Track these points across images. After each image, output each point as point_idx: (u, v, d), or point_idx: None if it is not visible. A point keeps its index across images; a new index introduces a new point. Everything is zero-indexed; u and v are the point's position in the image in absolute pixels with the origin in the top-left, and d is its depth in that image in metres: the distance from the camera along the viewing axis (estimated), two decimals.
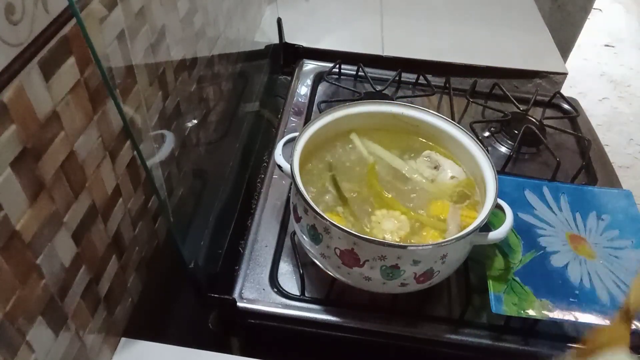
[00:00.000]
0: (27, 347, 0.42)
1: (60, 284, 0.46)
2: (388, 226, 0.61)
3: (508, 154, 0.87)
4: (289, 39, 1.08)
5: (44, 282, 0.43)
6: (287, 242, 0.72)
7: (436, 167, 0.68)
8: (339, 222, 0.57)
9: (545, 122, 0.92)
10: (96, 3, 0.45)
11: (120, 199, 0.55)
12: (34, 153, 0.40)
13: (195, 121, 0.74)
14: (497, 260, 0.66)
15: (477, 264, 0.67)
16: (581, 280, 0.65)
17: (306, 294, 0.66)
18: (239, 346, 0.68)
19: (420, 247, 0.56)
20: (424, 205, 0.65)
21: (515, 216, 0.65)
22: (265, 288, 0.66)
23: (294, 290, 0.67)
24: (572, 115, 0.97)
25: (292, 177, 0.60)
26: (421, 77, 0.99)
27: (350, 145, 0.71)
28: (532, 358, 0.64)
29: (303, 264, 0.67)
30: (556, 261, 0.67)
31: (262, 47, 1.09)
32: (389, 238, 0.60)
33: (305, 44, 1.08)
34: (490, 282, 0.64)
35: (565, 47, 1.67)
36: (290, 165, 0.61)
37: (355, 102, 0.72)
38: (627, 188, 0.78)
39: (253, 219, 0.75)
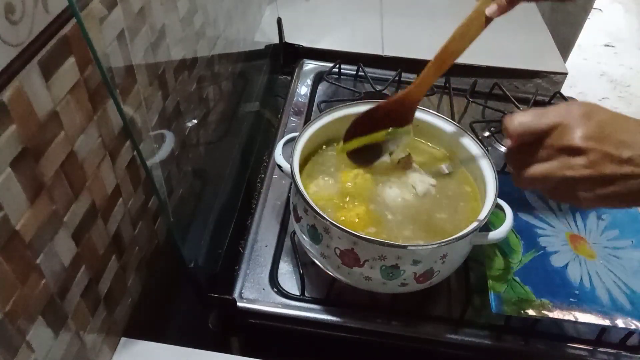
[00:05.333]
0: (27, 347, 0.42)
1: (60, 284, 0.46)
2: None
3: None
4: (289, 38, 1.08)
5: (44, 282, 0.43)
6: (287, 242, 0.72)
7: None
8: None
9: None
10: (96, 3, 0.45)
11: (120, 199, 0.55)
12: (34, 153, 0.40)
13: (195, 121, 0.74)
14: (497, 260, 0.66)
15: (477, 264, 0.67)
16: (581, 280, 0.65)
17: (306, 294, 0.66)
18: (239, 346, 0.68)
19: (420, 247, 0.56)
20: None
21: (515, 216, 0.65)
22: (265, 288, 0.66)
23: (294, 290, 0.67)
24: None
25: (292, 177, 0.60)
26: None
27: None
28: (532, 358, 0.64)
29: (303, 264, 0.67)
30: (556, 261, 0.67)
31: (262, 47, 1.09)
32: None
33: (305, 44, 1.08)
34: (490, 282, 0.64)
35: (565, 47, 1.66)
36: (290, 165, 0.61)
37: (355, 102, 0.71)
38: None
39: (253, 219, 0.75)
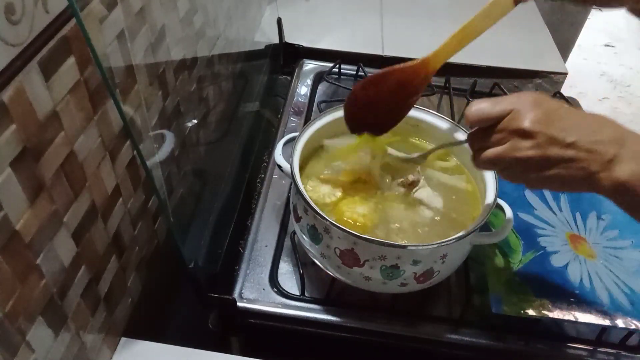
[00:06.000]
0: (27, 346, 0.42)
1: (60, 284, 0.46)
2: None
3: None
4: (289, 38, 1.08)
5: (44, 282, 0.43)
6: (287, 242, 0.72)
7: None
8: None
9: None
10: (96, 3, 0.45)
11: (120, 199, 0.55)
12: (34, 153, 0.40)
13: (195, 121, 0.74)
14: (497, 260, 0.66)
15: (477, 264, 0.67)
16: (581, 280, 0.65)
17: (306, 294, 0.66)
18: (239, 346, 0.68)
19: (420, 247, 0.56)
20: None
21: (515, 216, 0.65)
22: (265, 288, 0.66)
23: (294, 290, 0.67)
24: None
25: (292, 177, 0.60)
26: None
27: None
28: (532, 358, 0.64)
29: (303, 264, 0.67)
30: (556, 261, 0.67)
31: (262, 47, 1.09)
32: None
33: (305, 44, 1.08)
34: (490, 282, 0.64)
35: (565, 47, 1.66)
36: (290, 165, 0.61)
37: None
38: None
39: (253, 219, 0.75)
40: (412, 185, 0.65)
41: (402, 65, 0.59)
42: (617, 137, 0.45)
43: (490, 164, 0.50)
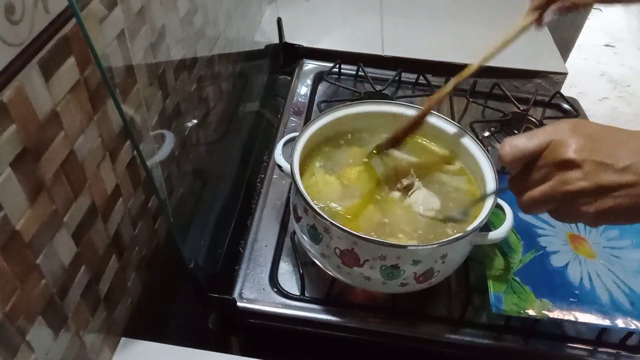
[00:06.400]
0: (27, 346, 0.42)
1: (60, 284, 0.46)
2: None
3: None
4: (289, 38, 1.08)
5: (44, 282, 0.43)
6: (287, 242, 0.72)
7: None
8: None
9: (546, 122, 0.92)
10: (96, 3, 0.45)
11: (120, 199, 0.55)
12: (34, 153, 0.40)
13: (195, 121, 0.74)
14: (497, 260, 0.66)
15: (477, 264, 0.67)
16: (581, 280, 0.65)
17: (306, 294, 0.66)
18: (239, 346, 0.68)
19: (420, 247, 0.56)
20: None
21: (515, 216, 0.65)
22: (265, 288, 0.66)
23: (294, 290, 0.67)
24: (572, 115, 0.97)
25: (292, 177, 0.60)
26: (421, 77, 0.99)
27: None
28: (532, 358, 0.64)
29: (303, 264, 0.67)
30: (556, 261, 0.67)
31: (262, 47, 1.09)
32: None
33: (305, 44, 1.08)
34: (490, 282, 0.64)
35: (565, 47, 1.66)
36: (290, 165, 0.61)
37: (355, 102, 0.72)
38: None
39: (253, 219, 0.75)
40: (407, 188, 0.65)
41: (410, 119, 0.67)
42: None
43: (539, 205, 0.45)
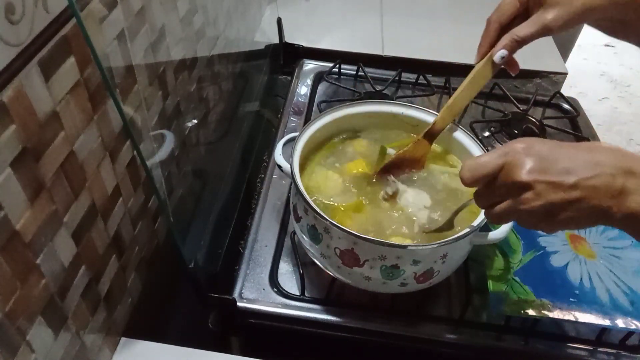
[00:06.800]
0: (27, 346, 0.42)
1: (60, 284, 0.46)
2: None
3: None
4: (289, 38, 1.08)
5: (44, 282, 0.43)
6: (287, 242, 0.72)
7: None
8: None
9: (545, 122, 0.92)
10: (96, 3, 0.45)
11: (120, 199, 0.55)
12: (34, 153, 0.40)
13: (195, 121, 0.74)
14: (497, 260, 0.66)
15: (477, 264, 0.67)
16: (581, 280, 0.65)
17: (306, 294, 0.66)
18: (239, 346, 0.68)
19: (420, 247, 0.56)
20: None
21: None
22: (265, 288, 0.66)
23: (294, 290, 0.67)
24: (572, 115, 0.97)
25: (292, 177, 0.60)
26: (421, 77, 0.99)
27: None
28: (532, 358, 0.64)
29: (303, 264, 0.67)
30: (556, 261, 0.67)
31: (262, 47, 1.09)
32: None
33: (305, 44, 1.08)
34: (490, 282, 0.64)
35: (565, 47, 1.66)
36: (290, 165, 0.61)
37: (355, 102, 0.72)
38: None
39: (253, 219, 0.75)
40: (393, 196, 0.64)
41: (409, 147, 0.67)
42: (621, 165, 0.42)
43: (501, 219, 0.48)
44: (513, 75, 0.64)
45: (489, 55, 0.60)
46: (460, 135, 0.68)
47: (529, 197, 0.44)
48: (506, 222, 0.49)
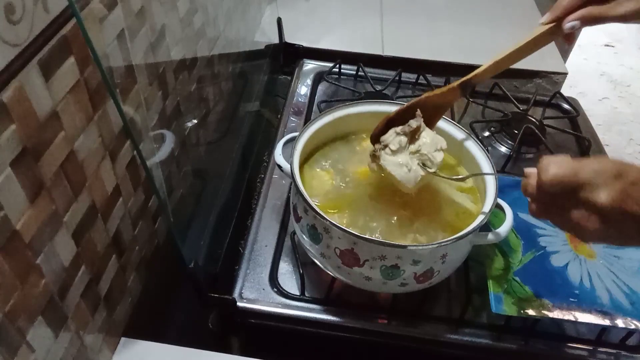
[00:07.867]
0: (27, 346, 0.42)
1: (60, 284, 0.46)
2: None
3: (508, 154, 0.87)
4: (289, 38, 1.08)
5: (44, 282, 0.43)
6: (287, 242, 0.72)
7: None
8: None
9: (545, 122, 0.92)
10: (96, 3, 0.45)
11: (120, 199, 0.55)
12: (34, 153, 0.40)
13: (195, 121, 0.74)
14: (497, 260, 0.66)
15: (477, 264, 0.67)
16: (581, 280, 0.65)
17: (306, 294, 0.66)
18: (239, 346, 0.68)
19: (420, 247, 0.56)
20: None
21: (515, 216, 0.65)
22: (265, 288, 0.66)
23: (294, 290, 0.67)
24: (572, 115, 0.97)
25: (292, 177, 0.60)
26: (421, 77, 0.99)
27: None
28: (532, 358, 0.64)
29: (303, 264, 0.67)
30: (556, 261, 0.67)
31: (262, 47, 1.09)
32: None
33: (305, 44, 1.08)
34: (490, 282, 0.64)
35: (565, 47, 1.66)
36: (290, 165, 0.61)
37: (355, 102, 0.72)
38: None
39: (253, 219, 0.75)
40: (415, 132, 0.61)
41: (440, 90, 0.64)
42: None
43: (549, 218, 0.48)
44: (568, 45, 0.62)
45: (557, 22, 0.57)
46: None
47: (594, 219, 0.44)
48: (552, 221, 0.49)
